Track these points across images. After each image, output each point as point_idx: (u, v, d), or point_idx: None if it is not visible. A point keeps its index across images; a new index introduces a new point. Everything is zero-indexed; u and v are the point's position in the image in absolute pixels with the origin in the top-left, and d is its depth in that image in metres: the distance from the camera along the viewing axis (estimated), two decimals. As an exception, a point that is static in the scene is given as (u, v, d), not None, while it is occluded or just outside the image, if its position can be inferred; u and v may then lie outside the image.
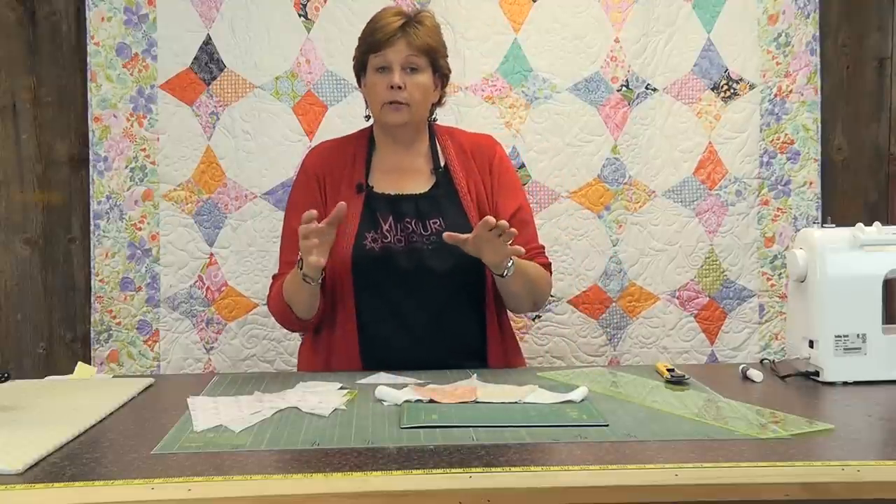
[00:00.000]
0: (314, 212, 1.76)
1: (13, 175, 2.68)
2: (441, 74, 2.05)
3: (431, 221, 1.97)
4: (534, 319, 2.67)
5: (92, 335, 2.63)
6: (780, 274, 2.70)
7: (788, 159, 2.71)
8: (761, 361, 1.94)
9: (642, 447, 1.31)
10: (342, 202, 1.80)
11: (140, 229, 2.63)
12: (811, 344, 1.79)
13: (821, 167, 2.72)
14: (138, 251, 2.63)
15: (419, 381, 1.70)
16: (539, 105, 2.65)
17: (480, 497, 1.16)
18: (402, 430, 1.38)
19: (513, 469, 1.21)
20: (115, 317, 2.63)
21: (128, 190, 2.62)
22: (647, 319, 2.70)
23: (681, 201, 2.70)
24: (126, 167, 2.62)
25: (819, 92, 2.71)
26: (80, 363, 2.00)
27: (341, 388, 1.68)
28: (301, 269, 1.84)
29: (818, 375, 1.75)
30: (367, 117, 2.11)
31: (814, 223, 2.66)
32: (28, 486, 1.15)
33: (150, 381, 1.80)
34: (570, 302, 2.68)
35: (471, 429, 1.38)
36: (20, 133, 2.67)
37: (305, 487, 1.16)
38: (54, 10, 2.66)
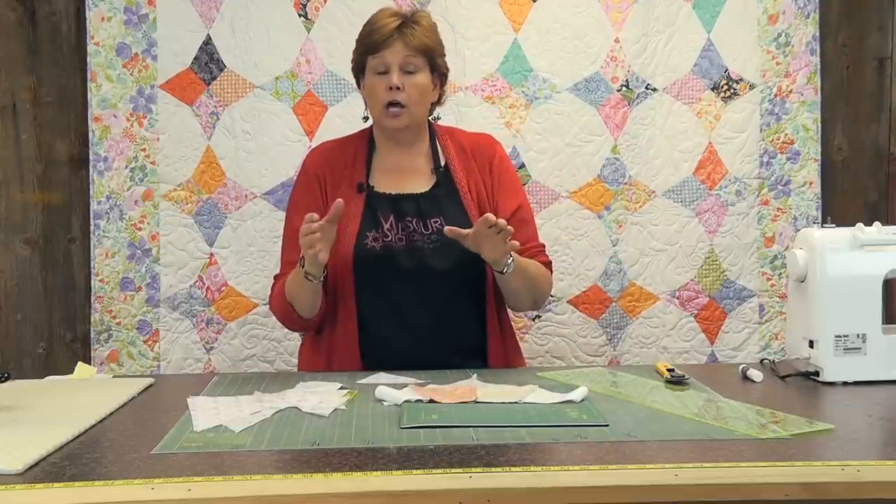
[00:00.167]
0: (314, 215, 1.76)
1: (13, 175, 2.68)
2: (439, 73, 2.05)
3: (432, 221, 1.97)
4: (534, 319, 2.67)
5: (92, 335, 2.63)
6: (780, 274, 2.70)
7: (788, 159, 2.71)
8: (761, 361, 1.94)
9: (642, 447, 1.31)
10: (339, 199, 1.81)
11: (140, 229, 2.63)
12: (811, 344, 1.79)
13: (821, 167, 2.72)
14: (138, 251, 2.63)
15: (419, 381, 1.70)
16: (539, 105, 2.65)
17: (480, 497, 1.16)
18: (402, 430, 1.38)
19: (513, 469, 1.21)
20: (115, 317, 2.63)
21: (128, 190, 2.62)
22: (647, 319, 2.70)
23: (681, 201, 2.70)
24: (126, 167, 2.62)
25: (819, 92, 2.71)
26: (80, 363, 2.00)
27: (341, 388, 1.68)
28: (303, 266, 1.85)
29: (818, 375, 1.75)
30: (365, 119, 2.11)
31: (814, 223, 2.66)
32: (28, 486, 1.15)
33: (150, 381, 1.80)
34: (570, 302, 2.68)
35: (471, 429, 1.38)
36: (20, 133, 2.67)
37: (305, 487, 1.16)
38: (54, 10, 2.66)
